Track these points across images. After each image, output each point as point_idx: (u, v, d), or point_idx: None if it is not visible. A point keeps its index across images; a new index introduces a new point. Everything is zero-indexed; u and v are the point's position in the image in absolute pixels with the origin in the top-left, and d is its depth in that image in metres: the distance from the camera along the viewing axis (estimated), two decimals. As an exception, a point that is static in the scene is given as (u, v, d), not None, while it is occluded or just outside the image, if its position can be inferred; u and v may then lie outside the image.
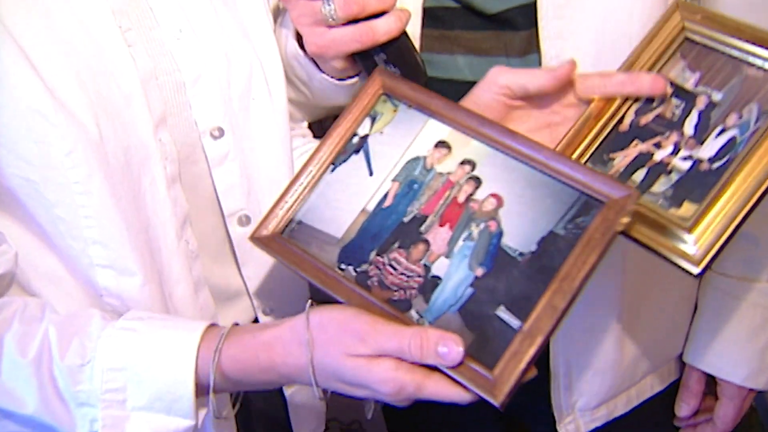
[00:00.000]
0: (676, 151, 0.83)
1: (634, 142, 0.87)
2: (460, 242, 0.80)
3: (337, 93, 1.06)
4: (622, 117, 0.90)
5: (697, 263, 0.78)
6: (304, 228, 0.90)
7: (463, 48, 1.05)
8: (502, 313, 0.75)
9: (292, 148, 1.06)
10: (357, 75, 1.04)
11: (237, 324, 0.86)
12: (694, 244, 0.79)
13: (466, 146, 0.86)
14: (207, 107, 0.95)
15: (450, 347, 0.73)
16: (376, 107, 0.92)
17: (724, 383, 1.16)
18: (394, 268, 0.82)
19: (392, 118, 0.91)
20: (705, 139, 0.82)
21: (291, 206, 0.91)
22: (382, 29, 0.94)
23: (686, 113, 0.86)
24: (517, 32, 1.00)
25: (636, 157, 0.86)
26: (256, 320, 1.08)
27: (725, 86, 0.85)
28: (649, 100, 0.89)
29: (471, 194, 0.82)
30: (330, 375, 0.78)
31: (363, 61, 0.98)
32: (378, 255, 0.84)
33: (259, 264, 1.04)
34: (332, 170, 0.91)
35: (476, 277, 0.78)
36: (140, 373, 0.81)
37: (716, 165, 0.80)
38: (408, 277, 0.81)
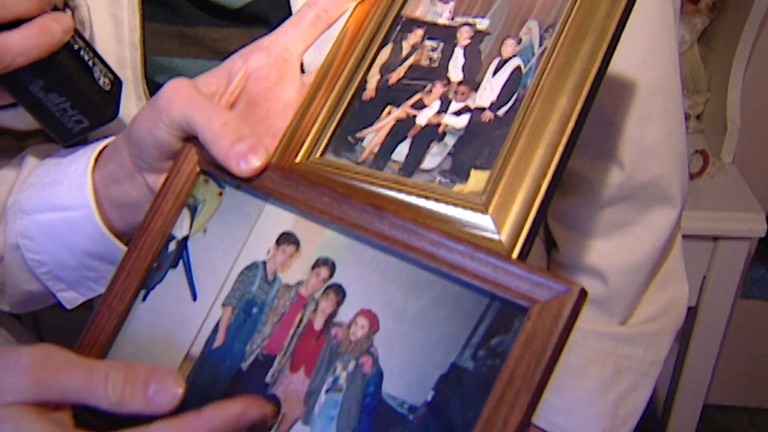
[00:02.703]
0: (445, 107, 0.58)
1: (387, 109, 0.60)
2: (323, 396, 0.51)
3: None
4: (364, 81, 0.60)
5: (508, 252, 0.51)
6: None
7: (209, 50, 0.79)
8: None
9: None
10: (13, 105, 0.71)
11: None
12: (496, 226, 0.51)
13: (319, 238, 0.55)
14: None
15: (162, 387, 0.51)
16: (195, 192, 0.60)
17: None
18: (231, 449, 0.52)
19: (217, 208, 0.58)
20: (480, 81, 0.58)
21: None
22: (17, 48, 0.62)
23: (448, 55, 0.59)
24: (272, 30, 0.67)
25: (393, 128, 0.59)
26: None
27: (490, 8, 0.59)
28: (397, 48, 0.59)
29: (332, 315, 0.52)
30: None
31: (9, 88, 0.67)
32: (209, 428, 0.53)
33: None
34: (144, 298, 0.59)
35: (349, 453, 0.49)
36: None
37: (502, 110, 0.56)
38: (251, 459, 0.51)
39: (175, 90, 0.60)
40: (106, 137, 0.72)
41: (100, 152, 0.71)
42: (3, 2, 0.60)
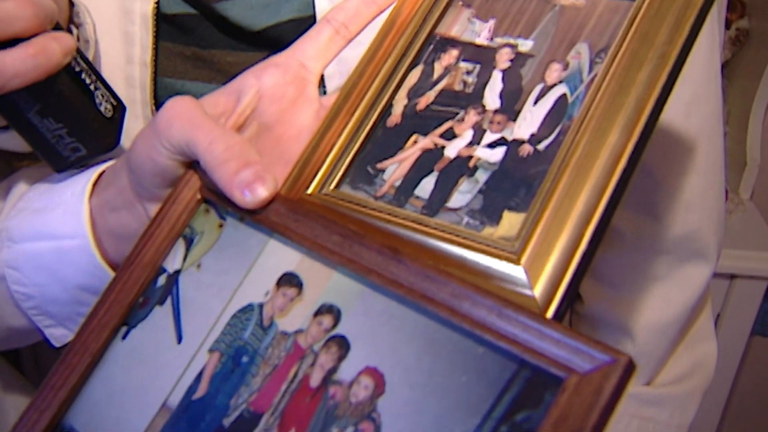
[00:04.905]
0: (478, 138, 0.48)
1: (413, 138, 0.50)
2: None
3: None
4: (389, 105, 0.51)
5: (542, 311, 0.41)
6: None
7: (223, 74, 0.70)
8: None
9: None
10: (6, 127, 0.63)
11: None
12: (529, 279, 0.41)
13: (325, 282, 0.45)
14: None
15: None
16: (193, 222, 0.51)
17: None
18: None
19: (216, 241, 0.49)
20: (520, 110, 0.48)
21: (56, 405, 0.49)
22: (14, 70, 0.53)
23: (485, 79, 0.50)
24: None
25: (418, 160, 0.49)
26: None
27: (535, 28, 0.50)
28: (429, 70, 0.50)
29: (332, 371, 0.42)
30: None
31: (2, 112, 0.59)
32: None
33: None
34: (125, 335, 0.50)
35: None
36: None
37: (543, 144, 0.46)
38: None
39: (176, 109, 0.52)
40: (106, 161, 0.64)
41: (99, 177, 0.63)
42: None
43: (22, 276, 0.64)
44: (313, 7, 0.65)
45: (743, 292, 1.66)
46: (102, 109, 0.62)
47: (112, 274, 0.60)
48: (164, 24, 0.70)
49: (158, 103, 0.72)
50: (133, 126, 0.69)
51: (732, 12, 1.83)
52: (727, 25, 1.83)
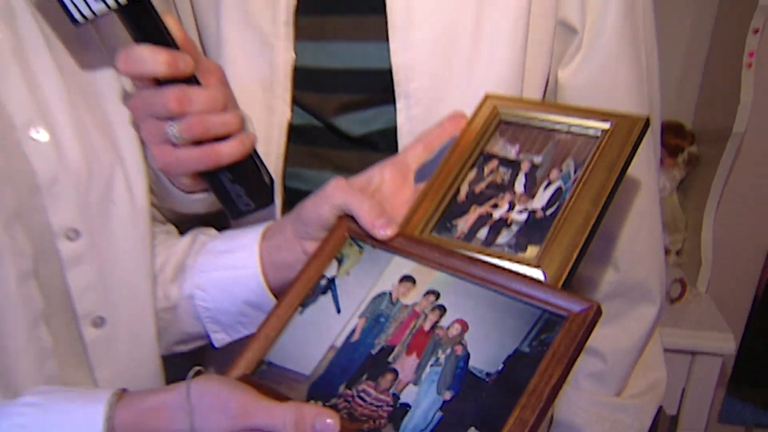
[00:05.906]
0: (512, 208, 0.87)
1: (473, 208, 0.89)
2: (428, 368, 0.77)
3: (191, 204, 0.97)
4: (458, 189, 0.91)
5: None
6: (274, 369, 0.83)
7: (331, 165, 1.04)
8: (473, 433, 0.71)
9: (152, 249, 0.96)
10: (207, 190, 0.96)
11: (125, 390, 0.77)
12: (545, 276, 0.79)
13: (429, 278, 0.82)
14: (62, 211, 0.84)
15: (325, 424, 0.70)
16: (342, 250, 0.87)
17: None
18: (364, 399, 0.77)
19: (358, 260, 0.86)
20: (535, 194, 0.87)
21: (261, 349, 0.84)
22: (226, 152, 0.88)
23: (514, 177, 0.90)
24: (379, 154, 0.96)
25: (477, 219, 0.88)
26: None
27: (543, 151, 0.90)
28: (480, 171, 0.91)
29: (436, 322, 0.79)
30: None
31: (209, 179, 0.92)
32: (347, 388, 0.78)
33: (112, 367, 0.92)
34: (301, 312, 0.85)
35: (445, 402, 0.73)
36: None
37: (549, 212, 0.85)
38: (377, 406, 0.77)
39: (337, 184, 0.89)
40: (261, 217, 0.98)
41: (265, 230, 0.97)
42: (224, 124, 0.88)
43: (206, 295, 0.98)
44: (395, 123, 1.02)
45: (703, 368, 1.97)
46: (265, 180, 0.96)
47: (269, 293, 0.95)
48: (293, 131, 1.05)
49: (285, 185, 1.07)
50: None
51: (684, 140, 2.16)
52: (681, 150, 2.15)
